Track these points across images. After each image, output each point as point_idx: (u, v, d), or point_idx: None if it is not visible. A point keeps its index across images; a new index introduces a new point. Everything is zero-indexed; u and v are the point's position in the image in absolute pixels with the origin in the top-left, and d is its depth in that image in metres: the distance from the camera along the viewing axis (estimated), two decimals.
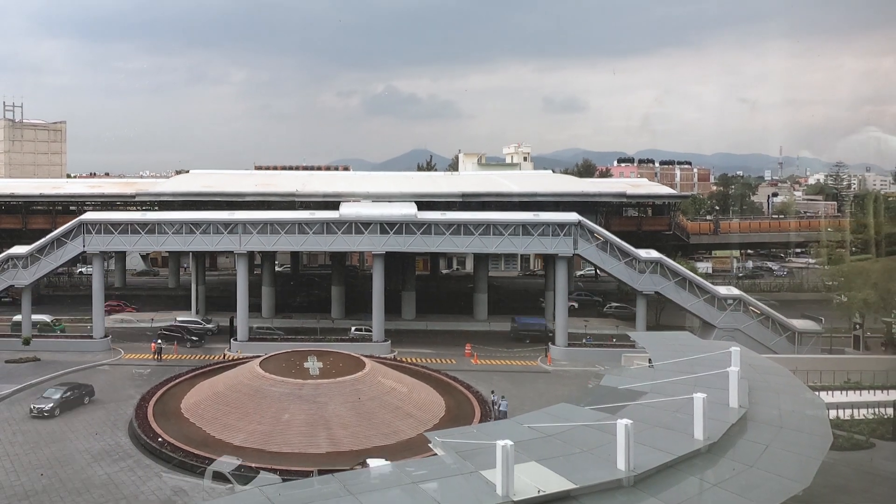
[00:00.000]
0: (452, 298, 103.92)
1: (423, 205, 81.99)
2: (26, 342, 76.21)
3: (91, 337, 78.19)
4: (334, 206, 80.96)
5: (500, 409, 55.68)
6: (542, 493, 20.11)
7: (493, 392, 59.59)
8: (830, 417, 35.11)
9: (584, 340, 78.90)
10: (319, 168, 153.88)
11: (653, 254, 76.75)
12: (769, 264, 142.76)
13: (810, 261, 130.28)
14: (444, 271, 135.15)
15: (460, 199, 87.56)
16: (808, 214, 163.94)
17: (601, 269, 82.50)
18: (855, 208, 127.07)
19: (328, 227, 77.24)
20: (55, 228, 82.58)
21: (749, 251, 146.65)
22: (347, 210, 78.55)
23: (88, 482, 43.29)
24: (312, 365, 57.86)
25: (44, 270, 79.12)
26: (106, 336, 78.30)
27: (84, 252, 78.97)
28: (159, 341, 75.78)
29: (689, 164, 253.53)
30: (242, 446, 47.76)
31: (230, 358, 72.57)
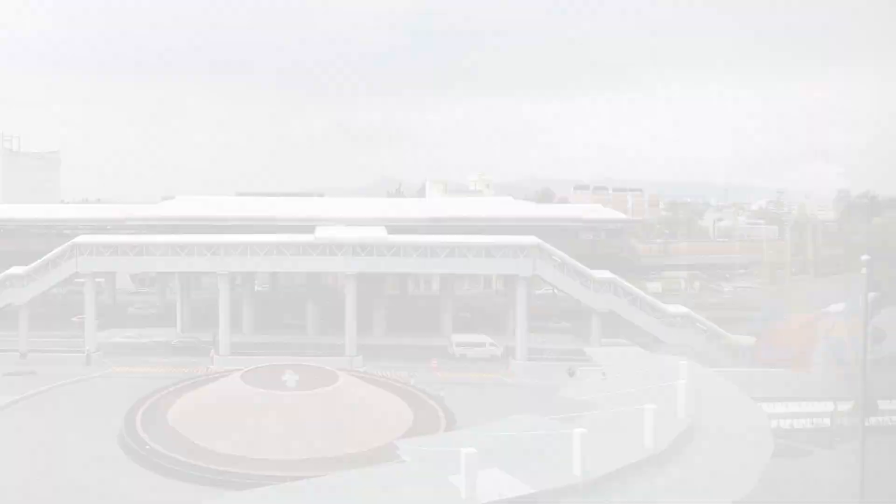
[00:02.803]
0: (420, 316, 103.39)
1: (393, 229, 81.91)
2: (23, 356, 75.22)
3: (84, 352, 77.08)
4: (310, 229, 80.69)
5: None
6: (503, 497, 20.09)
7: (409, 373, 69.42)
8: (771, 427, 35.31)
9: (543, 355, 78.89)
10: (296, 194, 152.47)
11: (606, 274, 76.98)
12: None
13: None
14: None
15: (427, 224, 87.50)
16: (750, 238, 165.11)
17: (558, 289, 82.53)
18: (794, 233, 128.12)
19: (304, 249, 77.05)
20: (50, 251, 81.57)
21: (696, 272, 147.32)
22: (322, 233, 78.38)
23: (81, 487, 43.16)
24: (290, 378, 57.49)
25: (39, 290, 78.23)
26: (97, 351, 77.29)
27: (77, 272, 78.08)
28: None
29: (641, 191, 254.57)
30: (225, 453, 47.39)
31: (214, 371, 71.81)
